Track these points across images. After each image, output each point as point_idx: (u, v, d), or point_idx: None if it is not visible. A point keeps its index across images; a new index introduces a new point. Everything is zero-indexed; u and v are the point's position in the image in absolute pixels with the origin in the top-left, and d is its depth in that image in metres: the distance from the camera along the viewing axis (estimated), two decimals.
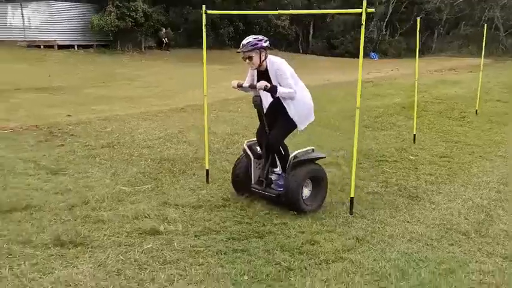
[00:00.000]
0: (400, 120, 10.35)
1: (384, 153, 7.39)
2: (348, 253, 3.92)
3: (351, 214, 4.74)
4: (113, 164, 6.38)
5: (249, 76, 4.91)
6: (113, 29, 24.95)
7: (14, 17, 25.22)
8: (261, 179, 4.84)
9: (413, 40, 43.77)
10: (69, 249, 3.85)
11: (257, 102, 4.70)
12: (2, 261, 3.62)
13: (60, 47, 24.77)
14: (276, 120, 4.79)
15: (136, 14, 25.15)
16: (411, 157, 7.27)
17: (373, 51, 38.05)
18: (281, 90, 4.54)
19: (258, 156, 4.94)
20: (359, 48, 4.46)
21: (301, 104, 4.70)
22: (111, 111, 10.89)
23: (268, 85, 4.49)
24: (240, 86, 4.80)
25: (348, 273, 3.59)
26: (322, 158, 5.02)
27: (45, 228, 4.22)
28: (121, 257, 3.75)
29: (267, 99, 4.86)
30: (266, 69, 4.66)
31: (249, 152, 4.89)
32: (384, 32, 41.59)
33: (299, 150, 4.71)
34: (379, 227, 4.51)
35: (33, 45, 24.59)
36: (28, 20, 24.97)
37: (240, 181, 5.00)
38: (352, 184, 4.75)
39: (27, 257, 3.68)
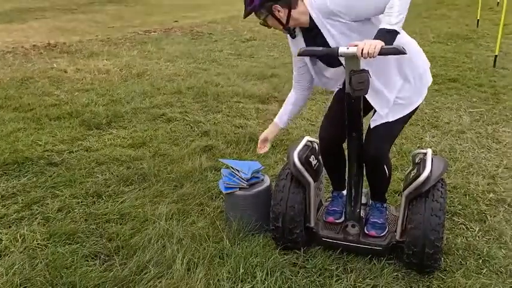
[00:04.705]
0: (447, 12, 11.87)
1: (466, 33, 8.94)
2: None
3: None
4: (279, 47, 7.81)
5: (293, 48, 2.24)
6: None
7: None
8: (347, 222, 2.38)
9: None
10: None
11: (364, 88, 1.96)
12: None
13: None
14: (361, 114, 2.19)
15: None
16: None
17: None
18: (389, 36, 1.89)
19: (316, 177, 2.45)
20: None
21: (413, 59, 2.17)
22: (202, 16, 11.97)
23: (382, 43, 1.84)
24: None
25: None
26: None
27: None
28: None
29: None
30: (312, 24, 2.09)
31: (305, 174, 2.33)
32: None
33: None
34: None
35: None
36: None
37: (291, 226, 2.35)
38: None
39: None
